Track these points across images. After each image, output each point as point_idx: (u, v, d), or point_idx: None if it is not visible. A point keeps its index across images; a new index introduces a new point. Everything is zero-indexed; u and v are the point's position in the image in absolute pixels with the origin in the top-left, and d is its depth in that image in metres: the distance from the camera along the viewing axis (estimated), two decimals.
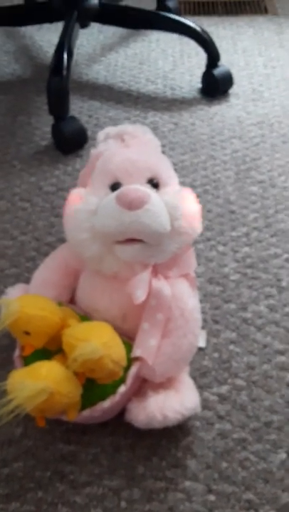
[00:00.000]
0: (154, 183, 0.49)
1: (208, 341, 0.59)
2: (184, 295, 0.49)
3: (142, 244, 0.46)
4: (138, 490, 0.47)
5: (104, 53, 1.15)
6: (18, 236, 0.72)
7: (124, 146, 0.50)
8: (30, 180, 0.81)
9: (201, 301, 0.62)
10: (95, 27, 1.21)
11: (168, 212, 0.47)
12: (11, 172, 0.82)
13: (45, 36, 1.18)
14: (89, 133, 0.87)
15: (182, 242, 0.49)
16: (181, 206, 0.48)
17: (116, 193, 0.46)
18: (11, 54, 1.13)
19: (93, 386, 0.45)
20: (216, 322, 0.62)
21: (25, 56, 1.13)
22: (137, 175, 0.47)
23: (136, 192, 0.45)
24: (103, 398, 0.45)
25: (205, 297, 0.64)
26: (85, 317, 0.50)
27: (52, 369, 0.41)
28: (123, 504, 0.46)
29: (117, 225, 0.45)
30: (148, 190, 0.47)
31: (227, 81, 1.01)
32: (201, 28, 1.01)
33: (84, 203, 0.48)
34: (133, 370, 0.47)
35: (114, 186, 0.48)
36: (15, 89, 1.02)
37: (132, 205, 0.44)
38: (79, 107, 0.96)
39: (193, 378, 0.54)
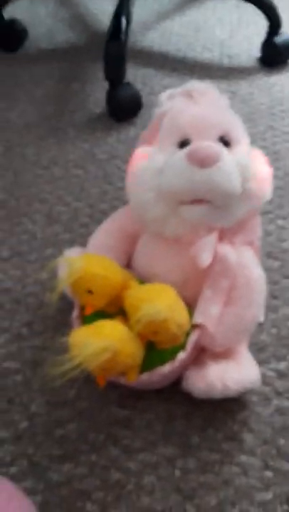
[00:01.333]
0: (225, 141, 0.45)
1: (265, 316, 0.57)
2: (249, 263, 0.47)
3: (210, 205, 0.44)
4: (193, 460, 0.46)
5: (159, 21, 1.11)
6: (71, 202, 0.71)
7: (193, 102, 0.47)
8: (84, 147, 0.79)
9: None
10: None
11: (239, 173, 0.44)
12: (65, 139, 0.81)
13: (100, 4, 1.15)
14: (143, 101, 0.85)
15: (251, 206, 0.46)
16: (253, 167, 0.45)
17: (186, 149, 0.43)
18: (65, 22, 1.11)
19: (152, 350, 0.44)
20: (275, 297, 0.59)
21: (79, 24, 1.11)
22: (207, 132, 0.45)
23: (209, 149, 0.42)
24: (162, 363, 0.44)
25: (263, 271, 0.61)
26: (142, 282, 0.48)
27: (115, 328, 0.40)
28: (178, 473, 0.45)
29: (186, 183, 0.43)
30: (220, 147, 0.44)
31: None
32: None
33: (150, 160, 0.46)
34: (193, 337, 0.45)
35: (183, 144, 0.45)
36: (69, 57, 1.00)
37: (204, 162, 0.42)
38: (133, 75, 0.93)
39: (250, 353, 0.51)
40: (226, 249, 0.45)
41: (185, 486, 0.44)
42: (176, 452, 0.46)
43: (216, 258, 0.44)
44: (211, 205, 0.44)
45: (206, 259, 0.43)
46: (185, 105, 0.47)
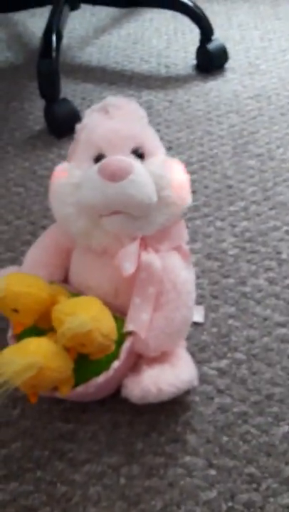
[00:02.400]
0: (139, 154, 0.47)
1: (206, 316, 0.58)
2: (175, 268, 0.48)
3: (128, 215, 0.45)
4: (137, 466, 0.46)
5: (97, 35, 1.13)
6: (13, 221, 0.71)
7: (108, 117, 0.49)
8: (24, 165, 0.80)
9: (199, 277, 0.61)
10: (86, 10, 1.19)
11: (154, 183, 0.45)
12: (5, 158, 0.82)
13: (38, 23, 1.16)
14: (82, 116, 0.86)
15: (171, 213, 0.47)
16: (168, 176, 0.46)
17: (98, 164, 0.45)
18: (3, 42, 1.12)
19: (86, 362, 0.45)
20: (215, 297, 0.61)
21: (17, 43, 1.12)
22: (120, 145, 0.46)
23: (119, 163, 0.44)
24: (97, 374, 0.45)
25: (203, 273, 0.63)
26: (77, 295, 0.49)
27: (41, 344, 0.40)
28: (122, 481, 0.46)
29: (100, 198, 0.44)
30: (131, 160, 0.45)
31: (221, 55, 0.99)
32: (193, 2, 0.99)
33: (68, 176, 0.47)
34: (126, 344, 0.46)
35: (98, 158, 0.47)
36: (7, 76, 1.01)
37: (115, 176, 0.43)
38: (72, 90, 0.95)
39: (192, 353, 0.53)
40: (150, 257, 0.46)
41: (130, 492, 0.45)
42: (121, 460, 0.47)
43: (141, 266, 0.46)
44: (129, 215, 0.45)
45: (128, 267, 0.44)
46: (99, 120, 0.48)
